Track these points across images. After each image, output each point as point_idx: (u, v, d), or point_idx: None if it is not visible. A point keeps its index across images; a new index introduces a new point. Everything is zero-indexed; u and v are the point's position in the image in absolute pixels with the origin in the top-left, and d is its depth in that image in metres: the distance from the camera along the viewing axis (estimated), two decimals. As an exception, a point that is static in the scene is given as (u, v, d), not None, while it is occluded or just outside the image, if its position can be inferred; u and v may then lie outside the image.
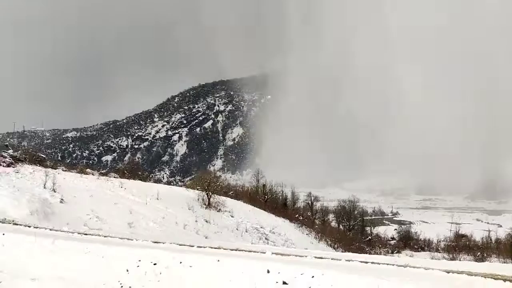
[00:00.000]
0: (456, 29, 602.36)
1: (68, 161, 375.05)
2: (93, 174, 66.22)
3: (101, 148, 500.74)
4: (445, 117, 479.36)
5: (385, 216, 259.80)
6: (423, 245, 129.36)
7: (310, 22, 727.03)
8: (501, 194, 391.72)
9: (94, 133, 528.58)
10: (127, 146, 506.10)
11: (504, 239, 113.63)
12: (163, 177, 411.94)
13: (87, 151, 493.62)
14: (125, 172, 77.82)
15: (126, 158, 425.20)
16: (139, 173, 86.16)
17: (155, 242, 28.17)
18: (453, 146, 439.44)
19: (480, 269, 23.05)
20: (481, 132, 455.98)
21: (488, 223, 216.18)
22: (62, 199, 42.46)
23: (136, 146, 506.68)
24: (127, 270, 19.81)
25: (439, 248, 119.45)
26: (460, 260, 76.93)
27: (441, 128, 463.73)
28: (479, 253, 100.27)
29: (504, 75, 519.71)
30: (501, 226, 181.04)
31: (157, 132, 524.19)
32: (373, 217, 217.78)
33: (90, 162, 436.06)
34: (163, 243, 27.91)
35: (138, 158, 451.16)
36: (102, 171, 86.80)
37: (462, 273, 21.12)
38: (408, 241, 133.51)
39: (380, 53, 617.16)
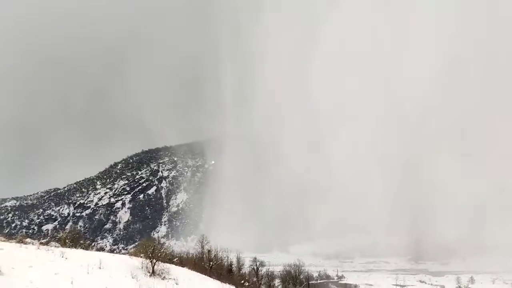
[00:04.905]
0: (391, 96, 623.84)
1: (6, 231, 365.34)
2: (33, 244, 64.31)
3: (41, 216, 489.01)
4: (375, 184, 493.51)
5: (331, 280, 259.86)
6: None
7: (243, 89, 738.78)
8: (442, 255, 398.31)
9: (35, 201, 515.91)
10: (68, 214, 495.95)
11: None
12: (106, 245, 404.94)
13: (27, 220, 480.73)
14: (67, 241, 76.09)
15: (67, 227, 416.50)
16: (81, 241, 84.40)
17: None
18: (385, 210, 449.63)
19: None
20: (408, 196, 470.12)
21: (431, 284, 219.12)
22: (-1, 271, 41.13)
23: (78, 214, 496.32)
24: None
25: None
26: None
27: (372, 194, 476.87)
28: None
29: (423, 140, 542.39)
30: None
31: (100, 199, 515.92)
32: (319, 281, 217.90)
33: (30, 231, 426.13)
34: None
35: (80, 226, 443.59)
36: (42, 241, 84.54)
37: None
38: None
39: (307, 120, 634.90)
